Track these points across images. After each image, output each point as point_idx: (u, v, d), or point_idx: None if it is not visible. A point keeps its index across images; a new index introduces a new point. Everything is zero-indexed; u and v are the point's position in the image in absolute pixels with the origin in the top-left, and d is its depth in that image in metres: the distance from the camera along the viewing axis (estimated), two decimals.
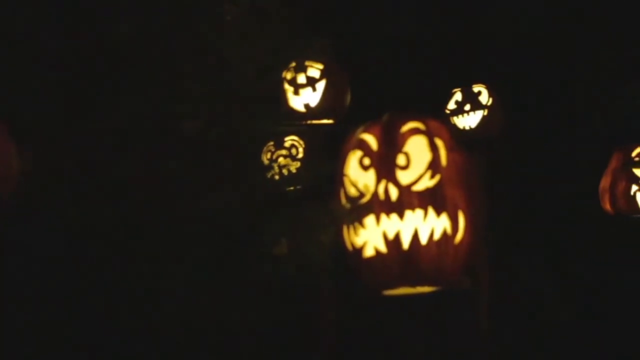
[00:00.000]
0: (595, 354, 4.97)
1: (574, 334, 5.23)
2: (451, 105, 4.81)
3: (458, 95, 4.82)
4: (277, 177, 4.39)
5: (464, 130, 4.72)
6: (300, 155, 4.55)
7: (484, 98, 4.76)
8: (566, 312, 5.45)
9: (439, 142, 2.91)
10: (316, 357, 3.96)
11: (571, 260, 5.67)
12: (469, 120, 4.73)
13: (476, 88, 4.79)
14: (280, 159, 4.50)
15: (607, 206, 4.91)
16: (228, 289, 3.11)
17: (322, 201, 2.91)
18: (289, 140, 4.60)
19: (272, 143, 4.61)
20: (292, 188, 3.98)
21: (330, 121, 4.10)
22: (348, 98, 4.13)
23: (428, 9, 5.55)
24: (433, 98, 4.85)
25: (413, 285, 2.89)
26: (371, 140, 2.93)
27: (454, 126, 4.72)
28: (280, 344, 3.94)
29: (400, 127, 2.91)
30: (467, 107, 4.74)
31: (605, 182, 4.92)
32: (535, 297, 5.49)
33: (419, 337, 3.05)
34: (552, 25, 5.71)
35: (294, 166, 4.45)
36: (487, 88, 4.79)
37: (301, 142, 4.58)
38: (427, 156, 2.88)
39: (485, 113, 4.72)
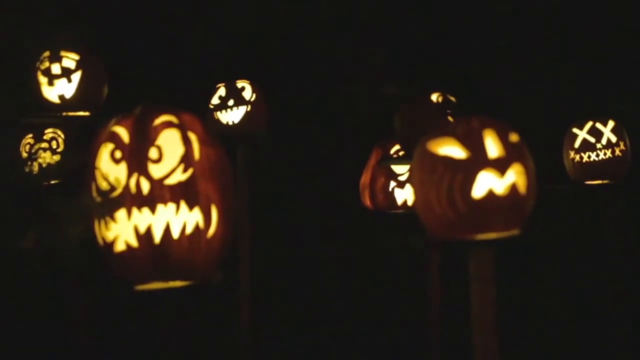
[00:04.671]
0: (370, 343, 5.14)
1: (347, 324, 5.39)
2: (215, 100, 4.81)
3: (222, 91, 4.82)
4: (35, 169, 4.27)
5: (227, 125, 4.73)
6: (61, 149, 4.44)
7: (248, 94, 4.78)
8: (339, 303, 5.61)
9: (192, 136, 2.90)
10: (72, 352, 3.88)
11: (330, 254, 5.84)
12: (232, 116, 4.74)
13: (240, 83, 4.81)
14: (40, 152, 4.37)
15: (367, 201, 5.05)
16: None
17: (74, 194, 2.86)
18: (50, 132, 4.47)
19: (30, 135, 4.47)
20: (50, 181, 3.88)
21: (86, 113, 4.00)
22: (105, 90, 4.04)
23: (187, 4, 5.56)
24: (197, 92, 4.84)
25: (165, 279, 2.87)
26: (123, 133, 2.88)
27: (217, 121, 4.72)
28: (31, 340, 3.84)
29: (152, 120, 2.88)
30: (231, 102, 4.74)
31: (365, 178, 5.06)
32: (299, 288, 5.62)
33: (176, 331, 3.03)
34: (318, 24, 5.85)
35: (54, 159, 4.35)
36: (251, 84, 4.82)
37: (62, 134, 4.46)
38: (179, 150, 2.86)
39: (249, 109, 4.75)
